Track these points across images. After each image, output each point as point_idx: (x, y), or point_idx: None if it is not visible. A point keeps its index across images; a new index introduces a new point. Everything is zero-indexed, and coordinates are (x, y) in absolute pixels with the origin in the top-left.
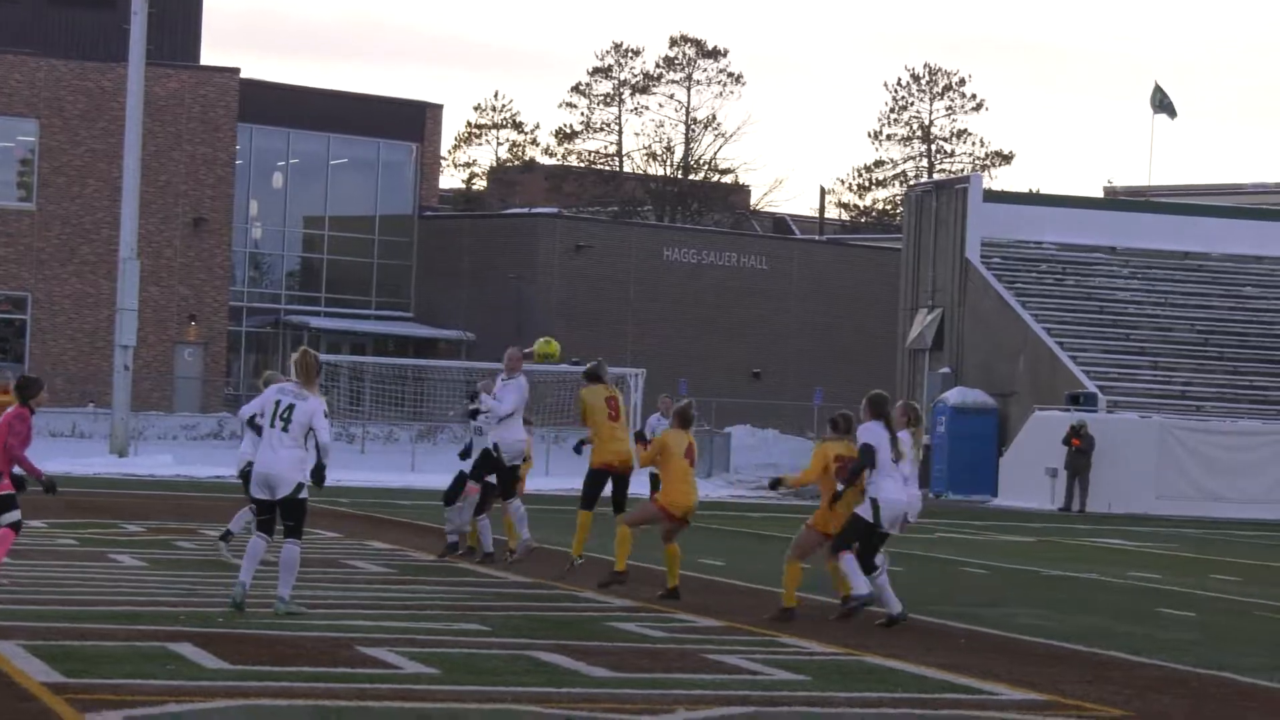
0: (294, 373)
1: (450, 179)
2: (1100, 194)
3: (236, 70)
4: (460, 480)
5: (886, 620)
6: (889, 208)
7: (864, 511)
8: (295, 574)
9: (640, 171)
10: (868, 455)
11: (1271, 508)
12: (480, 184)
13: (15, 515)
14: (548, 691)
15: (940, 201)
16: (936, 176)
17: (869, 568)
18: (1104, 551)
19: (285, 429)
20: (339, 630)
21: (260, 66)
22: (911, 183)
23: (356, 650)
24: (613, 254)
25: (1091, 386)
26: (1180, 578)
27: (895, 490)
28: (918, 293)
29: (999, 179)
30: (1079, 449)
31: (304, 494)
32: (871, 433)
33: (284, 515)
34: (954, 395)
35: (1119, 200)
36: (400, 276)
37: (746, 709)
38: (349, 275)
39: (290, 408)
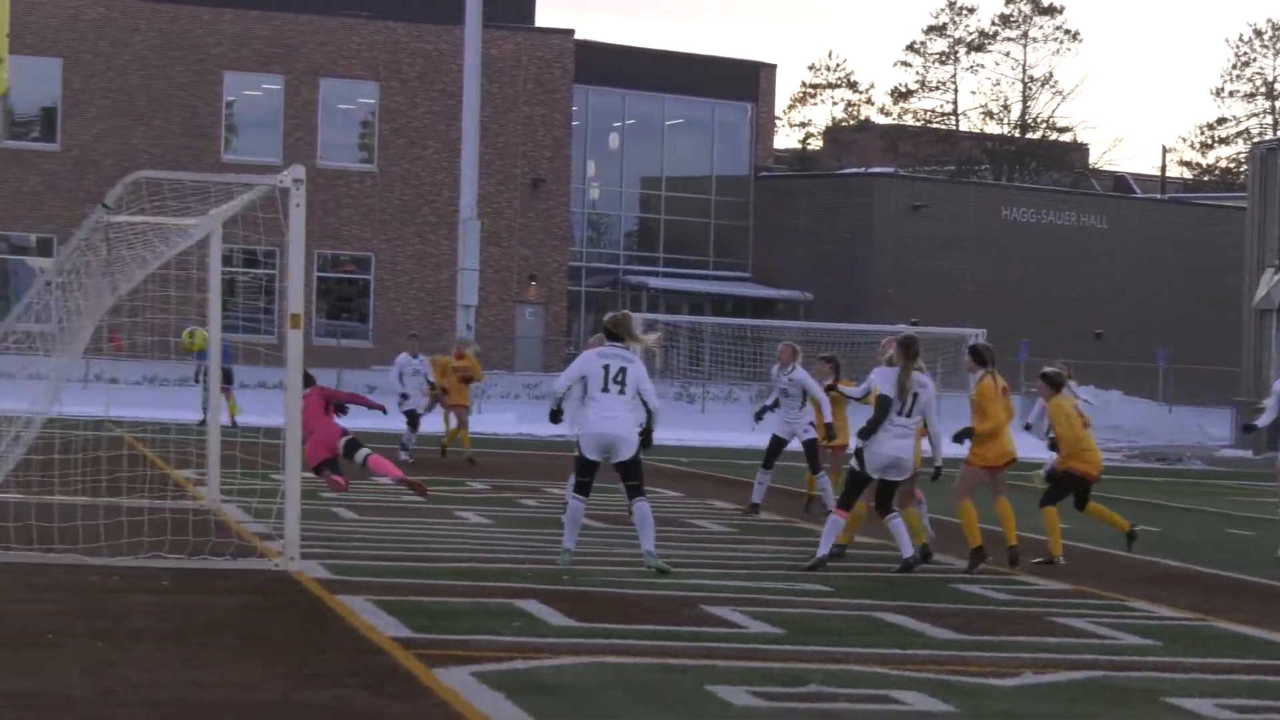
0: (612, 335)
1: (785, 139)
2: None
3: (571, 31)
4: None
5: (901, 566)
6: (1232, 165)
7: (854, 462)
8: (653, 528)
9: (977, 130)
10: (883, 407)
11: None
12: (815, 144)
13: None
14: (892, 653)
15: None
16: None
17: (885, 510)
18: None
19: (621, 391)
20: (683, 589)
21: (594, 27)
22: (1255, 140)
23: (700, 609)
24: (950, 213)
25: None
26: None
27: (884, 442)
28: (1264, 251)
29: None
30: None
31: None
32: (885, 380)
33: (627, 475)
34: None
35: None
36: (737, 237)
37: (1094, 673)
38: (686, 236)
39: (622, 370)
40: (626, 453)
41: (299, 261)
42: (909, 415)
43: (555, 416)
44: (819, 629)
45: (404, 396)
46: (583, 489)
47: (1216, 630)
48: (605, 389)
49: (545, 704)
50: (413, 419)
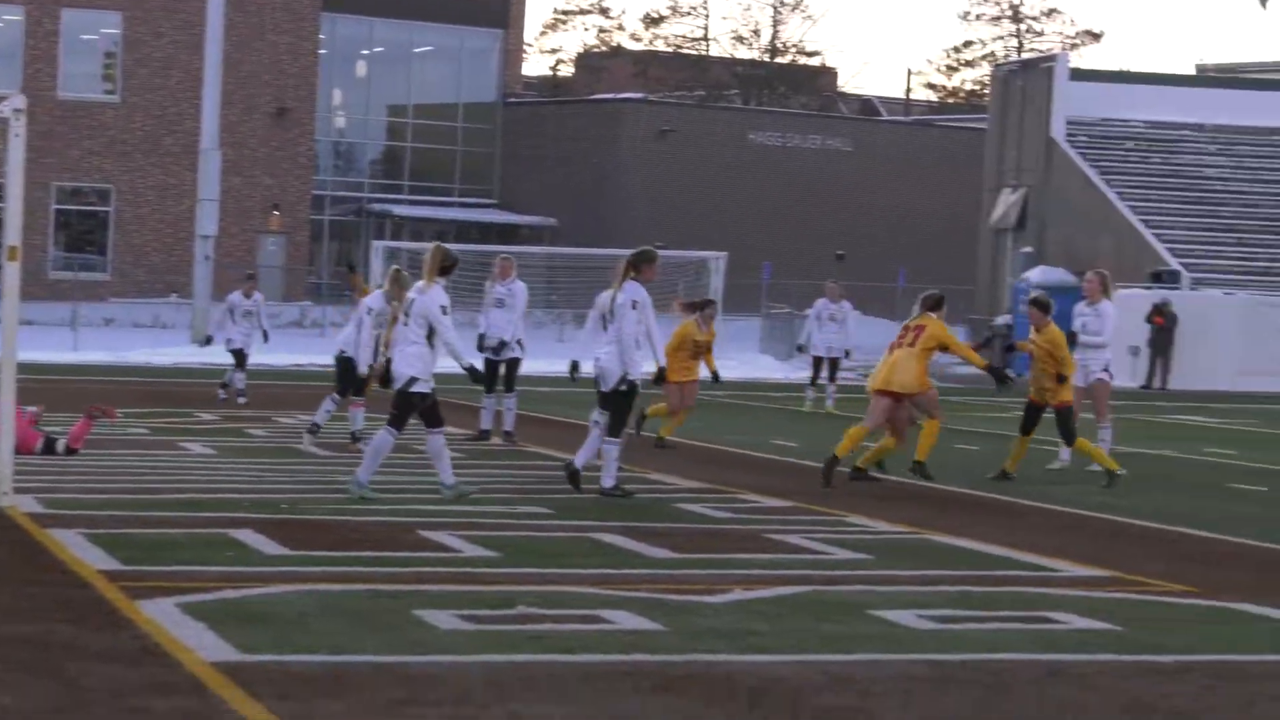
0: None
1: (536, 66)
2: (1192, 73)
3: None
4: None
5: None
6: (977, 89)
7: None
8: (376, 461)
9: (728, 56)
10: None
11: None
12: (567, 71)
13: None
14: (605, 573)
15: (1026, 81)
16: (1025, 56)
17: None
18: (1182, 428)
19: (405, 323)
20: (402, 515)
21: None
22: (999, 62)
23: (418, 534)
24: (697, 139)
25: (1175, 264)
26: (1256, 453)
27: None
28: (1002, 173)
29: (1088, 58)
30: (1162, 327)
31: (416, 387)
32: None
33: (391, 404)
34: (1036, 274)
35: (1208, 77)
36: (484, 164)
37: (804, 588)
38: (432, 163)
39: (411, 302)
40: (396, 384)
41: (18, 192)
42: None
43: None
44: (535, 551)
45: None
46: (394, 421)
47: (930, 544)
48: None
49: (248, 633)
50: (239, 358)
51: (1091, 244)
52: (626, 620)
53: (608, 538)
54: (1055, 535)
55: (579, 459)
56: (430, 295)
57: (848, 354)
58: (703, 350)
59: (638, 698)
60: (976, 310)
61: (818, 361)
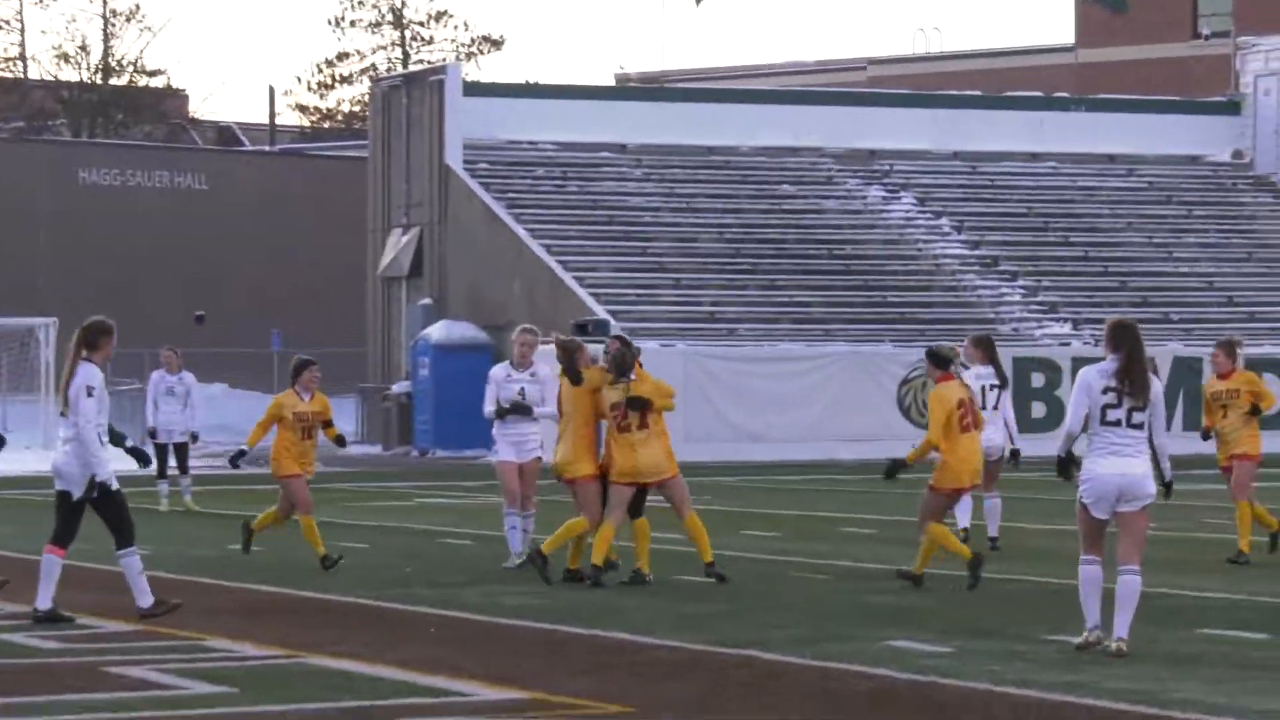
0: None
1: None
2: (611, 83)
3: None
4: None
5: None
6: (358, 109)
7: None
8: None
9: (50, 77)
10: None
11: (818, 446)
12: None
13: None
14: None
15: (412, 98)
16: (410, 69)
17: None
18: None
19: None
20: None
21: None
22: (379, 77)
23: None
24: (15, 179)
25: (602, 312)
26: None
27: None
28: (390, 209)
29: (488, 69)
30: None
31: None
32: None
33: None
34: (438, 331)
35: (630, 89)
36: None
37: None
38: None
39: None
40: None
41: None
42: None
43: None
44: None
45: None
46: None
47: (310, 668)
48: None
49: None
50: None
51: (503, 290)
52: None
53: None
54: (461, 649)
55: None
56: None
57: (194, 437)
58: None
59: None
60: (369, 377)
61: (161, 449)
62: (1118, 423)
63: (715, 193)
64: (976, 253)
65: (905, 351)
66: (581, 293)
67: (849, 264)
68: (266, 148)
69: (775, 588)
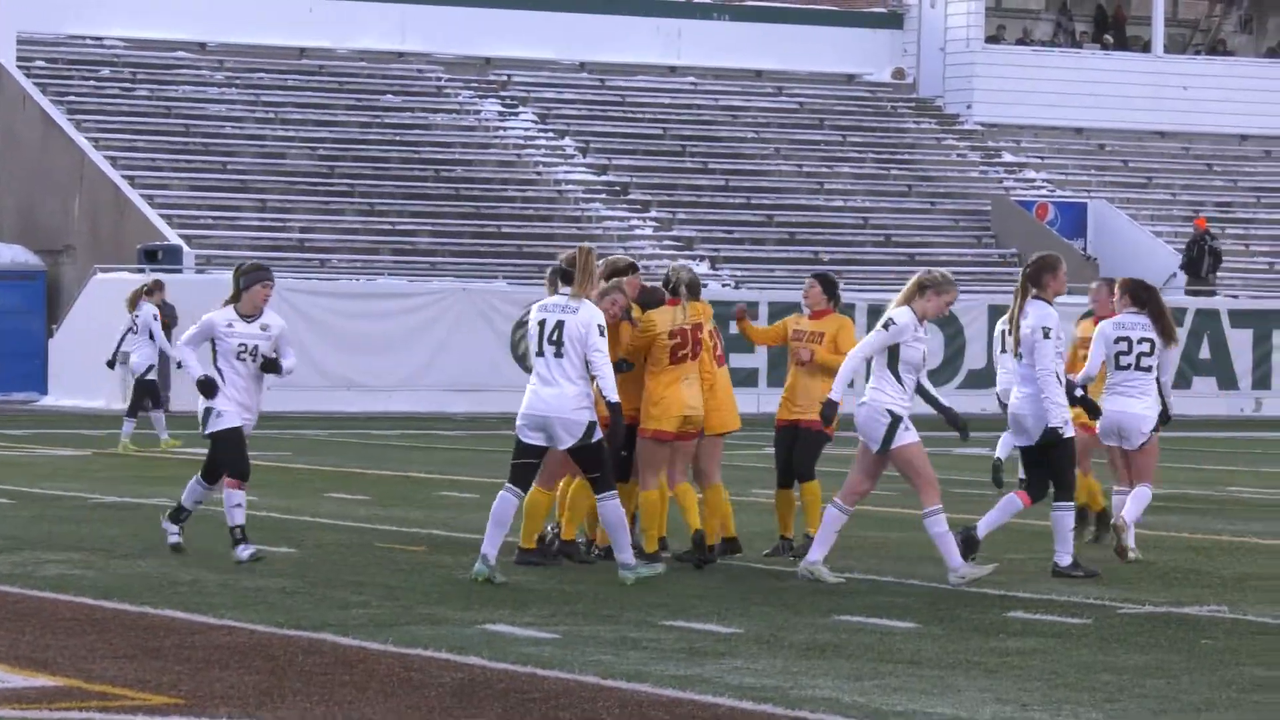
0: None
1: None
2: None
3: None
4: None
5: None
6: None
7: None
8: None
9: None
10: None
11: (422, 396)
12: None
13: None
14: None
15: None
16: None
17: None
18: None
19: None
20: None
21: None
22: None
23: None
24: None
25: (175, 237)
26: (290, 500)
27: None
28: None
29: None
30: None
31: None
32: None
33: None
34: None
35: None
36: None
37: None
38: None
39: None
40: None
41: None
42: None
43: None
44: None
45: None
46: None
47: None
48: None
49: None
50: None
51: (60, 210)
52: None
53: None
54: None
55: None
56: None
57: None
58: None
59: None
60: None
61: None
62: None
63: (307, 101)
64: (604, 178)
65: (520, 290)
66: (151, 214)
67: (459, 188)
68: None
69: (356, 560)
